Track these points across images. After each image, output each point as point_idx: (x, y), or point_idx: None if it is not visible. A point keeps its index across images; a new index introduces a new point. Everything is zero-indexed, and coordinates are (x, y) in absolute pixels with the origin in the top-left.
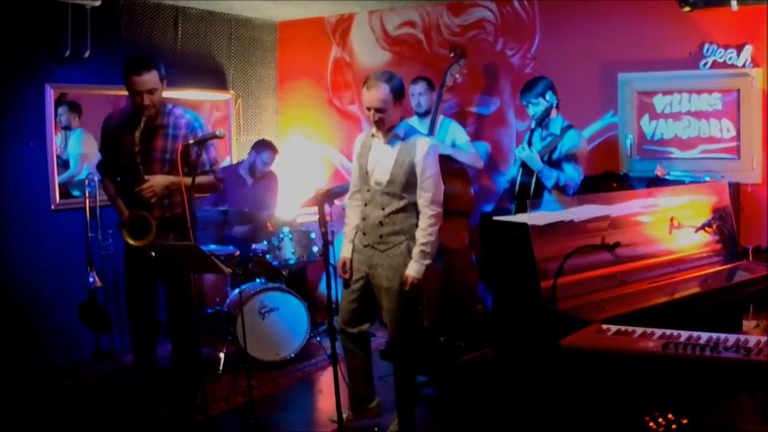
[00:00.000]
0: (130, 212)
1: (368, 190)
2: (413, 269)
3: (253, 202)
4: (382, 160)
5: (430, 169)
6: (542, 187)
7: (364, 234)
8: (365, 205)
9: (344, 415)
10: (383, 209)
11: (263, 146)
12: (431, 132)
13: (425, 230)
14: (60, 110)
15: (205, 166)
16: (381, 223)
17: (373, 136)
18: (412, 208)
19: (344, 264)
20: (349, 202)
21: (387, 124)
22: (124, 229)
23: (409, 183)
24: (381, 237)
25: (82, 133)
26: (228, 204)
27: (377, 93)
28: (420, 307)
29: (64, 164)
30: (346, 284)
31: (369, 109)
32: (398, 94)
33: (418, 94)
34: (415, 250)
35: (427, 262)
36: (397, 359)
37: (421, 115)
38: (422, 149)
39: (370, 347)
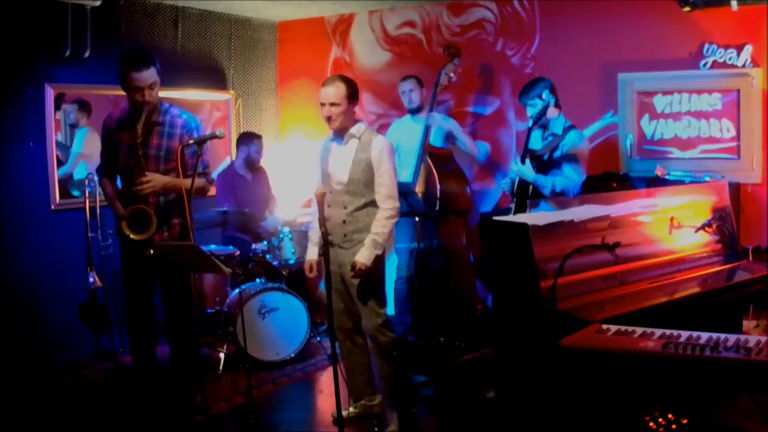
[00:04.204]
0: (126, 207)
1: (330, 192)
2: (363, 255)
3: (259, 198)
4: (341, 160)
5: (384, 165)
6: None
7: (329, 235)
8: (328, 206)
9: (345, 412)
10: (345, 208)
11: (248, 138)
12: (427, 131)
13: (380, 222)
14: (69, 108)
15: (199, 168)
16: (344, 222)
17: (332, 139)
18: (373, 206)
19: (310, 266)
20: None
21: (339, 122)
22: (124, 221)
23: (368, 180)
24: (345, 235)
25: (87, 133)
26: (238, 205)
27: (332, 89)
28: (381, 295)
29: (61, 162)
30: (329, 287)
31: (323, 104)
32: (353, 95)
33: (408, 91)
34: (368, 239)
35: (378, 251)
36: (396, 359)
37: (414, 112)
38: (377, 146)
39: (367, 345)
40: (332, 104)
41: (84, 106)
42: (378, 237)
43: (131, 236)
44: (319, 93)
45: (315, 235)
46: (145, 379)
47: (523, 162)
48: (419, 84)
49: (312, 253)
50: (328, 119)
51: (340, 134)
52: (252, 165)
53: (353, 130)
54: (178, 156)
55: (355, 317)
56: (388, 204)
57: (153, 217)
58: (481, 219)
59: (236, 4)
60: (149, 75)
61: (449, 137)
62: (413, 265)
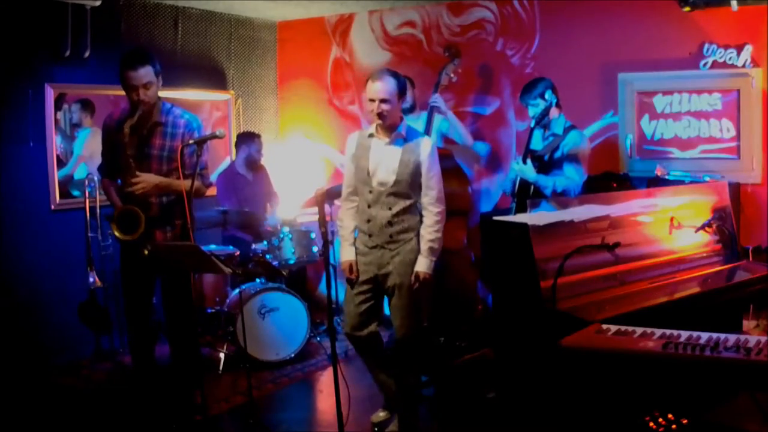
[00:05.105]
0: (121, 206)
1: (370, 192)
2: (423, 265)
3: (260, 197)
4: (385, 160)
5: (435, 167)
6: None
7: (370, 236)
8: (368, 206)
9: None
10: (390, 209)
11: (249, 137)
12: (428, 130)
13: (432, 227)
14: (73, 107)
15: (197, 169)
16: (390, 223)
17: (370, 136)
18: (416, 206)
19: (350, 267)
20: (344, 203)
21: (390, 120)
22: (112, 222)
23: (414, 182)
24: (391, 237)
25: (89, 134)
26: (240, 204)
27: (384, 84)
28: (422, 305)
29: (62, 161)
30: (352, 289)
31: (373, 100)
32: (402, 90)
33: None
34: (424, 247)
35: (435, 258)
36: (399, 358)
37: (406, 111)
38: (426, 148)
39: (383, 343)
40: (383, 100)
41: (88, 106)
42: (434, 244)
43: (117, 235)
44: (366, 88)
45: (349, 234)
46: (145, 379)
47: (524, 162)
48: (411, 84)
49: (349, 254)
50: (380, 116)
51: (385, 132)
52: (253, 164)
53: (400, 128)
54: (179, 157)
55: (372, 322)
56: (438, 207)
57: (142, 217)
58: (482, 219)
59: (236, 4)
60: (144, 73)
61: (447, 137)
62: None
